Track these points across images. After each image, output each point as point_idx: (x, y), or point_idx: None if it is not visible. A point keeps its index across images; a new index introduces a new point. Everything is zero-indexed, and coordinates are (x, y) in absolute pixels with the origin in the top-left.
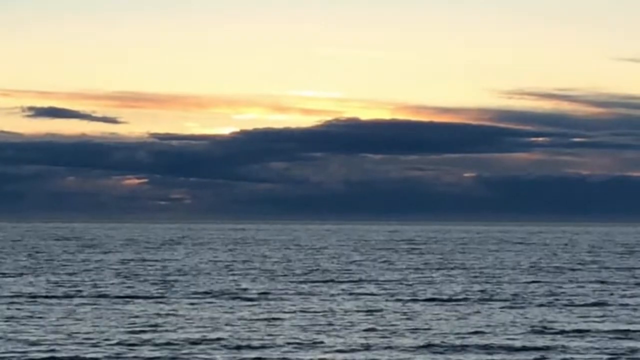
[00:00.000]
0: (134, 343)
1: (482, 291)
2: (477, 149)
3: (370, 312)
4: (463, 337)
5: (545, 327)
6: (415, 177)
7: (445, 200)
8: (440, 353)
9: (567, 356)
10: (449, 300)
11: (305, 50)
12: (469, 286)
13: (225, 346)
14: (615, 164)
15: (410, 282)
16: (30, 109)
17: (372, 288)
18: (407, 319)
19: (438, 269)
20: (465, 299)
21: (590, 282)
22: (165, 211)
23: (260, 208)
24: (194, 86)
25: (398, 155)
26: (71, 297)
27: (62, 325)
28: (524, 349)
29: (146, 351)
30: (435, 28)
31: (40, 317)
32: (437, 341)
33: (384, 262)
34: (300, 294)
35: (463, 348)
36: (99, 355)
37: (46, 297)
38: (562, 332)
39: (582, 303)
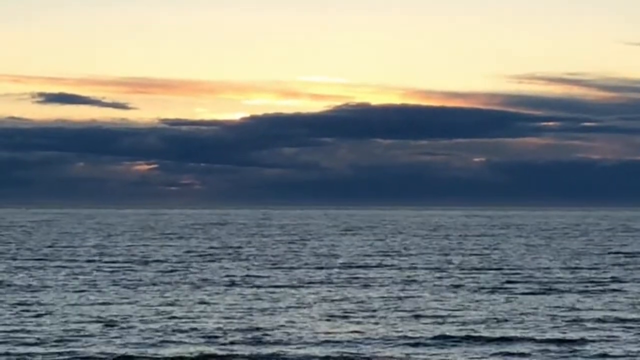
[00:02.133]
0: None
1: (504, 277)
2: (487, 133)
3: (384, 299)
4: (488, 327)
5: (573, 315)
6: (425, 162)
7: (455, 185)
8: (468, 343)
9: (596, 347)
10: (474, 287)
11: (315, 36)
12: (491, 273)
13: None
14: (625, 149)
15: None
16: (40, 94)
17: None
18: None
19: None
20: (488, 286)
21: (612, 267)
22: (175, 197)
23: (270, 193)
24: (203, 72)
25: (408, 140)
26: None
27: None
28: (555, 339)
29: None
30: (445, 13)
31: (72, 304)
32: (468, 331)
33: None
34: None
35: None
36: (116, 348)
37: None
38: (588, 320)
39: (608, 289)
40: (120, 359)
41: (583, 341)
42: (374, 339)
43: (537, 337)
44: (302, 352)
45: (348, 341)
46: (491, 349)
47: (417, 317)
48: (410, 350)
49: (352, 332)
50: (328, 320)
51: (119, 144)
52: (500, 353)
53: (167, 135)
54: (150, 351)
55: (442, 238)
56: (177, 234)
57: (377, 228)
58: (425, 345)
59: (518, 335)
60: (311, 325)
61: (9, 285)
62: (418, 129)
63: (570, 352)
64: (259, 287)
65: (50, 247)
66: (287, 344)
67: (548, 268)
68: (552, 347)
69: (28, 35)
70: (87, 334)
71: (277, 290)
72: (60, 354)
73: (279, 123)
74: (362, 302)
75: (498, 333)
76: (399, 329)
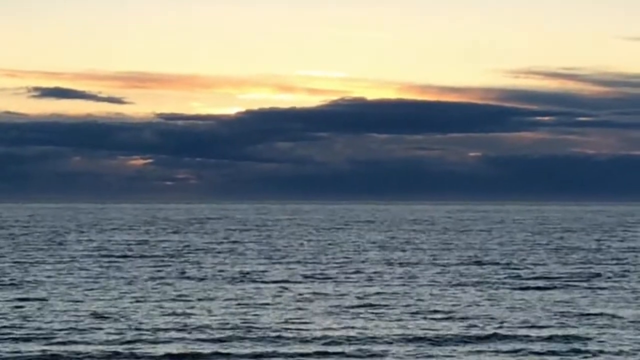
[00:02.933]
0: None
1: (501, 273)
2: (482, 128)
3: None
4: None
5: (571, 311)
6: (421, 156)
7: (450, 179)
8: (468, 343)
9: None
10: (471, 283)
11: (311, 30)
12: (490, 268)
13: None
14: (620, 143)
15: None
16: (36, 89)
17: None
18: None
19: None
20: (487, 282)
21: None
22: (171, 191)
23: (266, 188)
24: (199, 66)
25: (403, 135)
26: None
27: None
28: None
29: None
30: (441, 7)
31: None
32: (463, 330)
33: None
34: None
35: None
36: (120, 344)
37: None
38: (587, 316)
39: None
40: (116, 356)
41: (582, 338)
42: (376, 336)
43: (539, 335)
44: (302, 349)
45: (349, 337)
46: (489, 346)
47: (417, 313)
48: (411, 347)
49: (351, 328)
50: (328, 316)
51: (115, 139)
52: (500, 351)
53: (163, 129)
54: (147, 348)
55: (439, 232)
56: (173, 229)
57: (374, 223)
58: (427, 342)
59: (518, 332)
60: (311, 322)
61: (3, 281)
62: (414, 124)
63: (569, 349)
64: (256, 282)
65: (45, 241)
66: (286, 340)
67: (545, 264)
68: (552, 344)
69: (24, 30)
70: (83, 330)
71: (275, 285)
72: (55, 350)
73: (274, 117)
74: (361, 298)
75: (498, 330)
76: (400, 326)
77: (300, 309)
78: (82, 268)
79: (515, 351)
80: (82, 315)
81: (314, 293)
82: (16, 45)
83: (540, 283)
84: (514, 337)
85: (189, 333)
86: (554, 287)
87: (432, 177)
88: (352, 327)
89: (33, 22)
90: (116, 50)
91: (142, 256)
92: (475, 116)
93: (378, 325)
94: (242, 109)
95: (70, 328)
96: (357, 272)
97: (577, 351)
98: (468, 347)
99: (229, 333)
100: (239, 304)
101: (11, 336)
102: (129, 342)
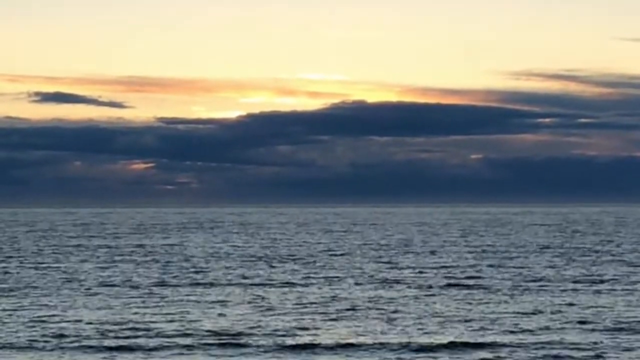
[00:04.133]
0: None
1: (507, 274)
2: (484, 130)
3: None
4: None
5: (572, 316)
6: (422, 159)
7: (452, 182)
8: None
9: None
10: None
11: (311, 33)
12: (495, 271)
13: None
14: (622, 145)
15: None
16: (37, 94)
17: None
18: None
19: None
20: (491, 285)
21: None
22: (172, 195)
23: (267, 191)
24: (200, 70)
25: (405, 138)
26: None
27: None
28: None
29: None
30: (441, 9)
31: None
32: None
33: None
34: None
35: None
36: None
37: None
38: (589, 317)
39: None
40: None
41: (588, 340)
42: (383, 343)
43: (546, 339)
44: (308, 356)
45: (357, 343)
46: (493, 349)
47: (425, 317)
48: (420, 354)
49: (358, 334)
50: (336, 321)
51: (116, 143)
52: (504, 356)
53: (164, 134)
54: (154, 355)
55: (443, 235)
56: (176, 233)
57: (377, 225)
58: (435, 348)
59: (523, 337)
60: (318, 327)
61: (4, 287)
62: (415, 126)
63: (576, 354)
64: (262, 285)
65: (48, 246)
66: (292, 345)
67: (553, 266)
68: (557, 347)
69: (24, 34)
70: (86, 336)
71: (280, 289)
72: (60, 357)
73: (275, 121)
74: (367, 301)
75: (503, 334)
76: (407, 331)
77: (306, 313)
78: (85, 273)
79: (520, 354)
80: (86, 321)
81: (319, 296)
82: (17, 50)
83: (548, 286)
84: (521, 343)
85: (195, 338)
86: (562, 290)
87: (434, 179)
88: (360, 332)
89: (33, 27)
90: (117, 55)
91: (145, 261)
92: (476, 118)
93: (384, 330)
94: (243, 112)
95: (76, 335)
96: (362, 275)
97: (584, 356)
98: (474, 353)
99: (236, 339)
100: (245, 308)
101: (14, 343)
102: (133, 348)
